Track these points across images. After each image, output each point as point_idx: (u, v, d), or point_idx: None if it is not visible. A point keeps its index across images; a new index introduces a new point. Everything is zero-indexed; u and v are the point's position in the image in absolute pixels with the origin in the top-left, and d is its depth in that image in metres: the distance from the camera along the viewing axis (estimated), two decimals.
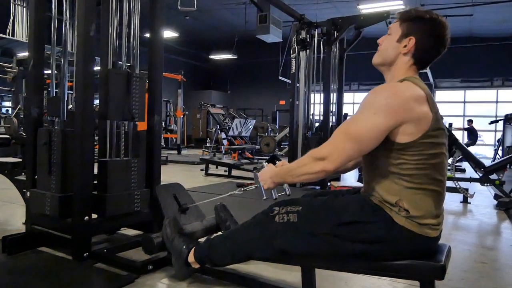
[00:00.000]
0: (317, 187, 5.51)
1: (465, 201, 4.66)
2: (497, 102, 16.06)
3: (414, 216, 1.33)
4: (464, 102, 16.75)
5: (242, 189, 1.87)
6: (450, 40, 1.42)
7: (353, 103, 18.28)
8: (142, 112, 2.46)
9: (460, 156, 4.87)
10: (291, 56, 5.77)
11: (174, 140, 14.12)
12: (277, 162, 1.67)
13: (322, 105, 5.91)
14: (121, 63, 2.49)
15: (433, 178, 1.35)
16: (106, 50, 2.44)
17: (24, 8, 8.45)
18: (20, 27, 8.48)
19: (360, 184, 1.66)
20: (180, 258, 1.81)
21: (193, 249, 1.79)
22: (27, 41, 2.56)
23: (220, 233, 2.07)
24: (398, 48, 1.44)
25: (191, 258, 1.78)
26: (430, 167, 1.33)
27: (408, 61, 1.43)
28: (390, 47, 1.45)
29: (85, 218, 2.18)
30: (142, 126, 2.58)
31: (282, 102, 17.70)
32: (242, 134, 11.06)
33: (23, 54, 8.43)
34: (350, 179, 6.68)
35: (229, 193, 1.96)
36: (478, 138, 13.98)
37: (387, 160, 1.36)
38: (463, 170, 8.28)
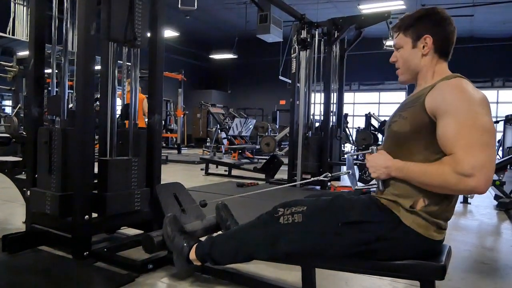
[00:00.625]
0: (317, 187, 5.52)
1: (465, 201, 4.66)
2: (497, 102, 16.05)
3: (428, 213, 1.33)
4: None
5: (329, 175, 1.68)
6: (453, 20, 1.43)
7: (353, 103, 18.27)
8: (144, 36, 2.41)
9: None
10: (292, 56, 5.77)
11: (174, 139, 14.12)
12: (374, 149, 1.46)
13: (322, 105, 5.91)
14: None
15: None
16: (107, 63, 2.43)
17: (25, 7, 8.45)
18: (21, 26, 8.48)
19: (361, 185, 1.63)
20: (182, 255, 1.81)
21: (194, 246, 1.80)
22: (28, 40, 2.56)
23: (220, 232, 2.07)
24: (418, 53, 1.44)
25: (192, 255, 1.78)
26: None
27: (432, 58, 1.44)
28: (410, 57, 1.45)
29: (85, 217, 2.18)
30: (141, 124, 2.58)
31: (282, 102, 17.70)
32: (242, 134, 11.06)
33: (23, 53, 8.42)
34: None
35: (280, 186, 1.80)
36: None
37: (415, 156, 1.34)
38: None
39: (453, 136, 1.24)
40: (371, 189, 1.53)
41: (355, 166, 1.43)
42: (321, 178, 1.76)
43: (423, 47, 1.42)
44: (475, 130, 1.22)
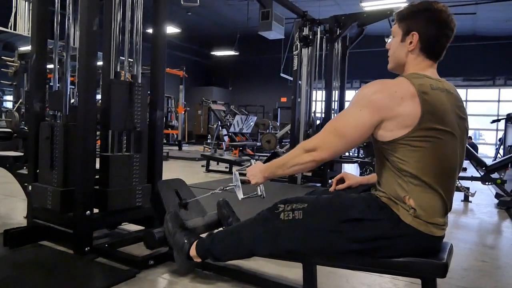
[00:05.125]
0: (318, 185, 5.51)
1: (466, 199, 4.66)
2: (499, 101, 16.02)
3: (422, 215, 1.32)
4: (466, 100, 16.70)
5: (222, 188, 1.89)
6: (455, 21, 1.39)
7: None
8: (144, 121, 2.46)
9: None
10: (293, 53, 5.76)
11: (175, 136, 14.12)
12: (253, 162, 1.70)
13: (323, 103, 5.90)
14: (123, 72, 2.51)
15: (437, 179, 1.33)
16: (108, 58, 2.44)
17: (26, 2, 8.42)
18: (22, 21, 8.45)
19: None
20: (182, 252, 1.81)
21: (195, 243, 1.80)
22: (29, 35, 2.56)
23: (222, 228, 2.07)
24: (404, 47, 1.43)
25: (193, 252, 1.79)
26: (429, 167, 1.31)
27: (417, 57, 1.42)
28: (397, 49, 1.46)
29: (86, 212, 2.18)
30: None
31: (283, 99, 17.67)
32: (243, 131, 11.06)
33: (25, 48, 8.41)
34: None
35: (211, 192, 2.02)
36: (480, 137, 13.96)
37: (387, 157, 1.37)
38: (464, 169, 8.27)
39: (327, 123, 1.47)
40: (253, 196, 1.68)
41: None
42: (216, 191, 1.96)
43: (410, 43, 1.41)
44: (336, 122, 1.43)
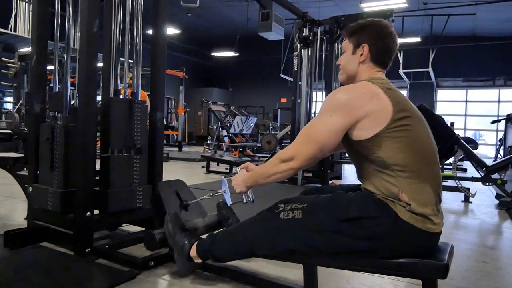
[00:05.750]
0: (318, 185, 5.51)
1: (466, 200, 4.66)
2: (499, 101, 16.03)
3: (415, 206, 1.35)
4: (466, 101, 16.72)
5: (211, 194, 1.92)
6: (396, 35, 1.56)
7: None
8: (144, 138, 2.47)
9: (462, 156, 4.86)
10: (293, 54, 5.76)
11: (176, 137, 14.12)
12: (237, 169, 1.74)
13: None
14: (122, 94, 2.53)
15: (423, 166, 1.38)
16: (109, 60, 2.46)
17: (27, 3, 8.44)
18: (22, 23, 8.46)
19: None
20: (183, 253, 1.81)
21: (195, 244, 1.80)
22: (30, 37, 2.56)
23: (222, 229, 2.07)
24: (355, 59, 1.55)
25: (193, 252, 1.79)
26: (413, 155, 1.37)
27: (367, 66, 1.54)
28: (348, 62, 1.58)
29: (87, 213, 2.18)
30: None
31: (283, 100, 17.68)
32: (244, 132, 11.06)
33: (25, 49, 8.42)
34: (351, 177, 6.68)
35: (200, 198, 2.08)
36: (480, 138, 13.93)
37: (369, 157, 1.41)
38: (465, 170, 8.27)
39: (300, 131, 1.52)
40: (240, 202, 1.72)
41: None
42: (205, 197, 2.00)
43: (361, 54, 1.54)
44: (308, 130, 1.48)
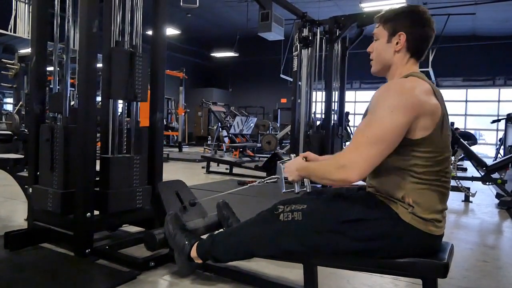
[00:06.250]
0: (318, 185, 5.51)
1: (466, 200, 4.65)
2: (499, 101, 16.02)
3: (419, 211, 1.33)
4: (466, 101, 16.72)
5: (263, 180, 1.77)
6: (434, 22, 1.44)
7: (355, 102, 18.26)
8: (145, 91, 2.44)
9: (462, 155, 4.86)
10: (293, 54, 5.76)
11: (176, 137, 14.12)
12: (291, 156, 1.62)
13: (323, 104, 5.90)
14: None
15: (440, 174, 1.35)
16: (109, 30, 2.43)
17: (26, 5, 8.44)
18: (22, 24, 8.46)
19: (362, 183, 1.65)
20: (183, 253, 1.81)
21: (195, 244, 1.80)
22: (29, 38, 2.56)
23: (221, 230, 2.07)
24: (391, 48, 1.46)
25: (193, 253, 1.79)
26: (438, 163, 1.34)
27: (404, 56, 1.45)
28: (383, 50, 1.48)
29: (87, 214, 2.18)
30: (144, 122, 2.58)
31: (283, 100, 17.67)
32: (244, 132, 11.06)
33: (25, 50, 8.42)
34: None
35: (248, 185, 1.94)
36: (480, 137, 13.91)
37: (397, 157, 1.34)
38: (465, 169, 8.27)
39: (355, 133, 1.36)
40: (292, 191, 1.62)
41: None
42: (255, 184, 1.87)
43: (396, 43, 1.44)
44: (369, 129, 1.30)
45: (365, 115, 1.46)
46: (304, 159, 1.60)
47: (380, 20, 1.49)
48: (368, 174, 1.34)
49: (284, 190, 1.62)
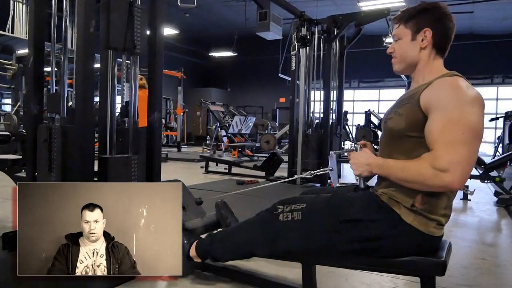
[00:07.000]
0: (317, 185, 5.52)
1: (465, 198, 4.66)
2: (497, 99, 16.04)
3: (424, 210, 1.32)
4: None
5: (313, 172, 1.69)
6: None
7: (353, 101, 18.26)
8: (144, 46, 2.42)
9: None
10: (291, 53, 5.77)
11: (174, 137, 14.11)
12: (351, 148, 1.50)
13: (322, 103, 5.90)
14: None
15: None
16: (106, 60, 2.42)
17: (24, 5, 8.43)
18: (20, 24, 8.45)
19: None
20: (182, 252, 1.81)
21: (194, 243, 1.80)
22: (27, 38, 2.56)
23: (220, 229, 2.07)
24: (416, 45, 1.43)
25: (192, 252, 1.79)
26: None
27: (430, 52, 1.44)
28: (408, 48, 1.45)
29: None
30: (142, 123, 2.58)
31: (282, 100, 17.68)
32: (242, 132, 11.06)
33: (23, 51, 8.42)
34: (351, 176, 6.67)
35: (297, 176, 1.85)
36: None
37: (421, 151, 1.30)
38: None
39: (437, 132, 1.25)
40: (350, 185, 1.56)
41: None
42: (304, 175, 1.77)
43: (422, 40, 1.42)
44: (459, 127, 1.22)
45: (386, 120, 1.43)
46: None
47: (400, 19, 1.47)
48: (468, 176, 1.26)
49: (337, 184, 1.55)
